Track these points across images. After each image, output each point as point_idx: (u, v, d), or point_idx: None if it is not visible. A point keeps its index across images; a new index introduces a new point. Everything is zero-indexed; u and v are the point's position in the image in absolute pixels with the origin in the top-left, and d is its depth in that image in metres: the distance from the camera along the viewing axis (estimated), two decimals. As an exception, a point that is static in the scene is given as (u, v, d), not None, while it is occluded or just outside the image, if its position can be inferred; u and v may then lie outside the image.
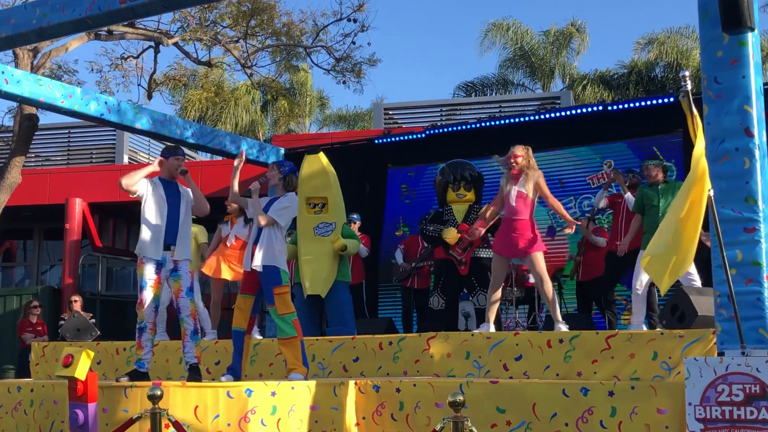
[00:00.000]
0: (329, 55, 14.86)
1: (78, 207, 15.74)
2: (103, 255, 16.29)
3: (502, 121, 11.96)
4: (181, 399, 5.72)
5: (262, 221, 6.59)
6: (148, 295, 6.34)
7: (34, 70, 11.88)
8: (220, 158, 14.56)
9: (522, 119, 11.95)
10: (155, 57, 14.72)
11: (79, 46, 12.93)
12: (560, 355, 6.44)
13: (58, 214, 15.96)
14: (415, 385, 6.11)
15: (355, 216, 10.46)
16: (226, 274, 9.28)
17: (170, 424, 5.22)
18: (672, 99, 10.53)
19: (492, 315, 7.60)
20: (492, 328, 7.46)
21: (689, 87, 5.00)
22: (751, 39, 4.93)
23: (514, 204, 7.50)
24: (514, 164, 7.56)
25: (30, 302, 12.97)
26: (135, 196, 6.46)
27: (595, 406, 5.39)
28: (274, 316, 6.58)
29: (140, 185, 6.43)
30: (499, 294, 7.70)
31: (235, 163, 6.81)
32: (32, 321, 12.55)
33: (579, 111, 11.61)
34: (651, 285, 7.97)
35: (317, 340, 7.79)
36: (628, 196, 8.57)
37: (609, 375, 6.14)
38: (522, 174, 7.53)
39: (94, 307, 14.62)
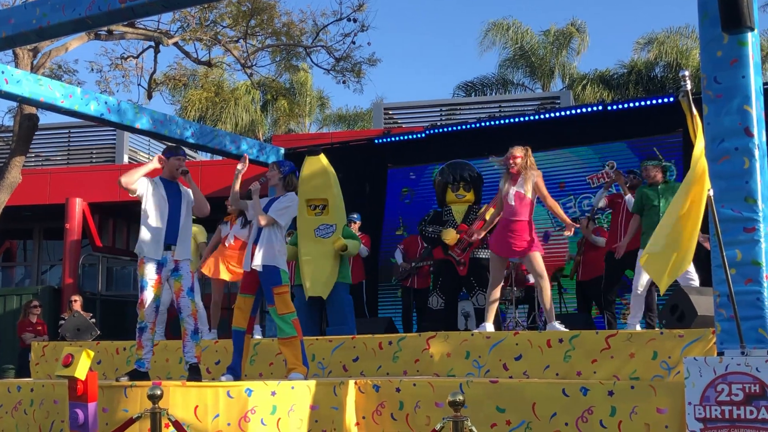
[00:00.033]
0: (329, 55, 14.88)
1: (78, 207, 15.75)
2: (103, 255, 16.30)
3: (502, 121, 11.97)
4: (181, 399, 5.72)
5: (262, 221, 6.60)
6: (148, 295, 6.34)
7: (34, 69, 11.89)
8: (220, 158, 14.57)
9: (522, 119, 11.96)
10: (155, 57, 14.74)
11: (79, 45, 12.93)
12: (560, 354, 6.44)
13: (58, 213, 15.97)
14: (415, 384, 6.11)
15: (355, 216, 10.47)
16: (225, 274, 9.28)
17: (170, 424, 5.22)
18: (672, 99, 10.53)
19: (491, 315, 7.60)
20: (491, 328, 7.47)
21: (689, 87, 5.00)
22: (751, 39, 4.93)
23: (512, 204, 7.50)
24: (512, 165, 7.56)
25: (30, 302, 12.97)
26: (135, 195, 6.46)
27: (595, 406, 5.39)
28: (274, 316, 6.58)
29: (140, 184, 6.43)
30: (498, 293, 7.70)
31: (239, 167, 6.80)
32: (32, 321, 12.55)
33: (579, 111, 11.61)
34: (651, 285, 7.98)
35: (317, 339, 7.79)
36: (629, 197, 8.56)
37: (609, 374, 6.14)
38: (521, 174, 7.53)
39: (94, 306, 14.63)
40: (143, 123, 10.97)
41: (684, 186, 4.93)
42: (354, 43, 14.59)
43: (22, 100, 10.35)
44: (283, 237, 6.77)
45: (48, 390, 6.60)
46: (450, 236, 9.04)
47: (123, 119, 10.70)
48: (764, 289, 4.78)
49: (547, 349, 6.51)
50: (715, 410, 4.68)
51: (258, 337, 8.73)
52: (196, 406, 5.72)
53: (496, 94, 24.30)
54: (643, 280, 7.83)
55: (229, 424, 5.71)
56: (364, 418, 6.26)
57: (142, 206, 6.45)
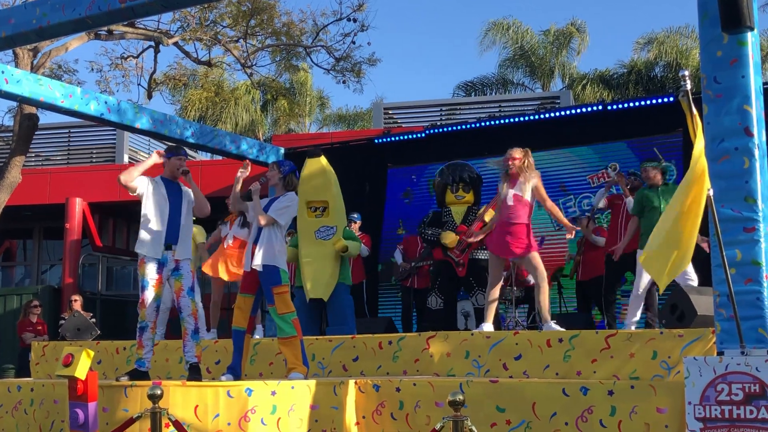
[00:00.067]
0: (329, 55, 14.87)
1: (78, 206, 15.75)
2: (103, 254, 16.30)
3: (502, 121, 11.98)
4: (181, 398, 5.73)
5: (262, 221, 6.60)
6: (149, 295, 6.35)
7: (34, 69, 11.89)
8: (220, 158, 14.58)
9: (522, 119, 11.97)
10: (155, 57, 14.74)
11: (79, 45, 12.93)
12: (560, 354, 6.44)
13: (58, 213, 15.97)
14: (415, 384, 6.11)
15: (355, 215, 10.48)
16: (223, 274, 9.28)
17: (170, 424, 5.23)
18: (672, 99, 10.53)
19: (490, 314, 7.60)
20: (491, 328, 7.47)
21: (689, 86, 5.00)
22: (751, 39, 4.94)
23: (510, 206, 7.50)
24: (511, 166, 7.55)
25: (30, 302, 12.98)
26: (134, 194, 6.47)
27: (595, 406, 5.39)
28: (274, 316, 6.59)
29: (140, 183, 6.43)
30: (497, 293, 7.70)
31: (239, 174, 6.81)
32: (32, 320, 12.55)
33: (579, 111, 11.62)
34: (651, 285, 7.99)
35: (317, 339, 7.80)
36: (629, 199, 8.55)
37: (608, 374, 6.14)
38: (520, 177, 7.53)
39: (94, 306, 14.63)
40: (143, 123, 10.97)
41: (683, 185, 4.93)
42: (354, 42, 14.60)
43: (22, 100, 10.35)
44: (283, 237, 6.77)
45: (48, 390, 6.61)
46: (449, 240, 9.05)
47: (123, 119, 10.71)
48: (764, 288, 4.78)
49: (546, 348, 6.51)
50: (715, 410, 4.68)
51: (258, 336, 8.74)
52: (197, 406, 5.73)
53: (496, 93, 24.30)
54: (643, 281, 7.84)
55: (229, 424, 5.71)
56: (364, 417, 6.26)
57: (143, 205, 6.45)
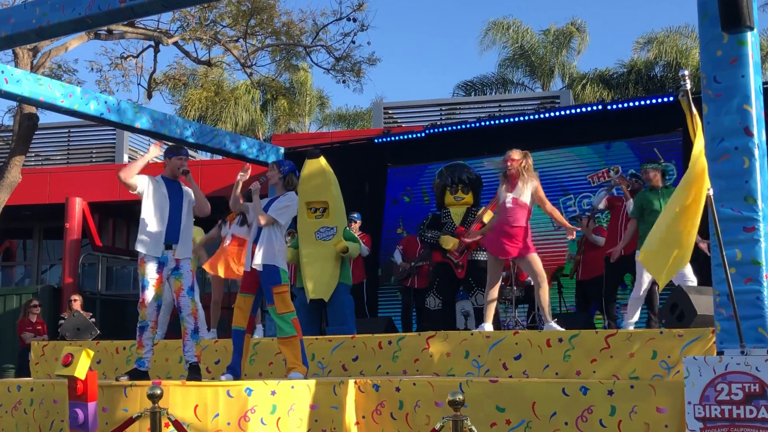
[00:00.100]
0: (329, 55, 14.87)
1: (78, 206, 15.75)
2: (102, 254, 16.30)
3: (502, 121, 11.97)
4: (180, 398, 5.73)
5: (262, 221, 6.60)
6: (149, 294, 6.35)
7: (33, 69, 11.89)
8: (219, 158, 14.57)
9: (521, 118, 11.97)
10: (155, 56, 14.74)
11: (79, 45, 12.93)
12: (559, 354, 6.44)
13: (58, 213, 15.97)
14: (414, 384, 6.11)
15: (355, 215, 10.48)
16: (221, 271, 9.28)
17: (170, 423, 5.23)
18: (672, 98, 10.53)
19: (490, 314, 7.60)
20: (490, 328, 7.47)
21: (689, 86, 5.00)
22: (751, 38, 4.93)
23: (509, 209, 7.50)
24: (509, 167, 7.55)
25: (30, 301, 12.97)
26: (134, 192, 6.47)
27: (595, 405, 5.39)
28: (274, 316, 6.59)
29: (140, 182, 6.44)
30: (496, 293, 7.70)
31: (239, 177, 6.81)
32: (32, 320, 12.55)
33: (578, 110, 11.61)
34: (652, 285, 7.99)
35: (317, 339, 7.80)
36: (630, 202, 8.55)
37: (608, 374, 6.14)
38: (519, 179, 7.52)
39: (94, 306, 14.62)
40: (143, 122, 10.96)
41: (683, 184, 4.93)
42: (354, 42, 14.60)
43: (21, 100, 10.35)
44: (283, 236, 6.77)
45: (48, 389, 6.61)
46: (450, 245, 9.06)
47: (123, 119, 10.70)
48: (764, 288, 4.78)
49: (546, 348, 6.52)
50: (715, 409, 4.68)
51: (258, 336, 8.74)
52: (196, 406, 5.73)
53: (495, 93, 24.30)
54: (644, 283, 7.84)
55: (228, 424, 5.71)
56: (363, 417, 6.26)
57: (143, 204, 6.45)
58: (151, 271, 6.37)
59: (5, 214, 12.08)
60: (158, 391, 5.18)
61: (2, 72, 9.29)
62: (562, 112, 11.64)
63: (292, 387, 6.09)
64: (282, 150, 13.01)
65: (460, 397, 4.62)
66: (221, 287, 9.59)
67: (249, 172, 6.85)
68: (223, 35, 14.71)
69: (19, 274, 19.23)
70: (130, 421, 5.35)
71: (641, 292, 7.90)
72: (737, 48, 4.93)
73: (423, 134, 12.39)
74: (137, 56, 15.15)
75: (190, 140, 11.62)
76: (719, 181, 4.89)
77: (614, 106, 11.25)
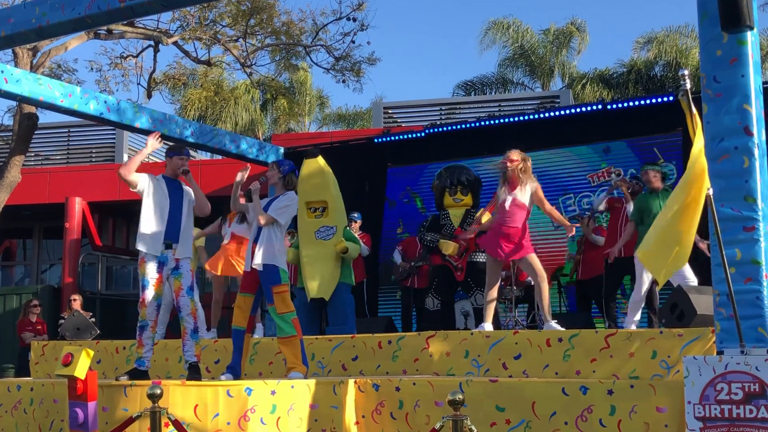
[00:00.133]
0: (329, 54, 14.87)
1: (78, 206, 15.75)
2: (102, 254, 16.30)
3: (502, 120, 11.97)
4: (180, 398, 5.73)
5: (262, 220, 6.61)
6: (150, 294, 6.35)
7: (33, 69, 11.88)
8: (219, 157, 14.57)
9: (521, 118, 11.97)
10: (155, 56, 14.74)
11: (79, 45, 12.93)
12: (559, 353, 6.44)
13: (57, 213, 15.97)
14: (414, 383, 6.11)
15: (356, 215, 10.48)
16: (219, 268, 9.28)
17: (170, 423, 5.23)
18: (671, 98, 10.53)
19: (489, 314, 7.60)
20: (490, 328, 7.47)
21: (688, 86, 5.00)
22: (750, 38, 4.93)
23: (507, 209, 7.50)
24: (509, 167, 7.55)
25: (30, 301, 12.98)
26: (134, 189, 6.47)
27: (595, 405, 5.39)
28: (274, 315, 6.59)
29: (141, 179, 6.44)
30: (495, 293, 7.70)
31: (237, 178, 6.82)
32: (32, 320, 12.55)
33: (578, 110, 11.61)
34: (652, 285, 7.99)
35: (316, 338, 7.80)
36: (630, 205, 8.55)
37: (608, 374, 6.14)
38: (518, 180, 7.52)
39: (94, 306, 14.62)
40: (143, 122, 10.96)
41: (682, 184, 4.93)
42: (353, 42, 14.60)
43: (21, 100, 10.34)
44: (283, 236, 6.78)
45: (48, 389, 6.61)
46: (449, 250, 9.07)
47: (122, 118, 10.70)
48: (764, 288, 4.78)
49: (546, 348, 6.52)
50: (715, 409, 4.68)
51: (258, 335, 8.74)
52: (196, 405, 5.72)
53: (495, 93, 24.31)
54: (643, 285, 7.84)
55: (228, 423, 5.71)
56: (363, 417, 6.26)
57: (143, 203, 6.45)
58: (151, 270, 6.37)
59: (5, 213, 12.08)
60: (158, 391, 5.18)
61: (2, 72, 9.29)
62: (562, 112, 11.64)
63: (292, 387, 6.09)
64: (282, 150, 13.01)
65: (460, 396, 4.62)
66: (222, 287, 9.59)
67: (248, 172, 6.86)
68: (222, 35, 14.71)
69: (19, 273, 19.23)
70: (130, 420, 5.35)
71: (641, 294, 7.90)
72: (737, 48, 4.93)
73: (423, 134, 12.39)
74: (137, 56, 15.15)
75: (190, 140, 11.62)
76: (719, 181, 4.89)
77: (614, 106, 11.25)
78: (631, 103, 11.14)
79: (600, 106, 11.50)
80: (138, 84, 15.48)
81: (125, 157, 18.20)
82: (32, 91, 9.59)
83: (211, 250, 9.98)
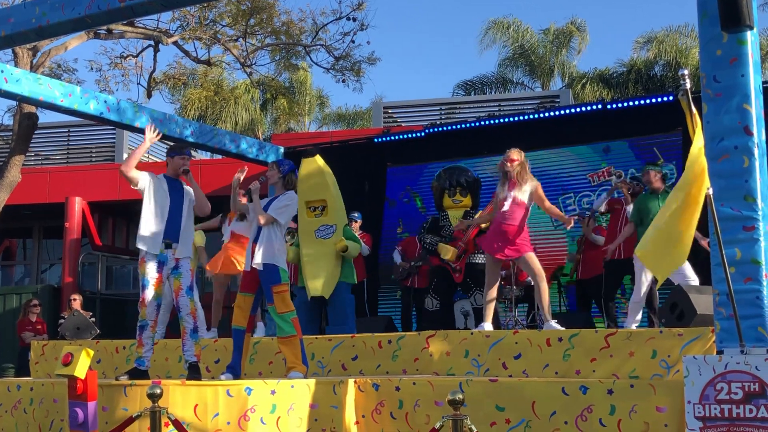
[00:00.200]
0: (328, 54, 14.88)
1: (77, 206, 15.73)
2: (102, 254, 16.29)
3: (502, 120, 11.97)
4: (180, 397, 5.72)
5: (262, 220, 6.61)
6: (149, 293, 6.35)
7: (33, 69, 11.88)
8: (219, 157, 14.57)
9: (521, 118, 11.97)
10: (155, 56, 14.74)
11: (79, 44, 12.93)
12: (559, 353, 6.44)
13: (57, 212, 15.97)
14: (414, 383, 6.11)
15: (356, 215, 10.48)
16: (218, 267, 9.28)
17: (170, 423, 5.23)
18: (671, 98, 10.53)
19: (489, 314, 7.60)
20: (490, 327, 7.47)
21: (688, 85, 5.00)
22: (750, 37, 4.93)
23: (507, 209, 7.50)
24: (509, 167, 7.55)
25: (30, 301, 12.97)
26: (135, 187, 6.48)
27: (595, 405, 5.39)
28: (274, 315, 6.59)
29: (142, 178, 6.45)
30: (494, 293, 7.70)
31: (234, 180, 6.83)
32: (32, 320, 12.55)
33: (578, 109, 11.61)
34: (652, 285, 7.99)
35: (316, 338, 7.80)
36: (630, 207, 8.56)
37: (608, 373, 6.14)
38: (518, 180, 7.53)
39: (94, 305, 14.62)
40: (143, 122, 10.95)
41: (681, 183, 4.94)
42: (353, 41, 14.61)
43: (21, 99, 10.34)
44: (283, 236, 6.78)
45: (48, 389, 6.61)
46: (448, 254, 9.08)
47: (122, 118, 10.70)
48: (764, 287, 4.78)
49: (546, 347, 6.51)
50: (715, 409, 4.68)
51: (260, 334, 8.75)
52: (196, 405, 5.72)
53: (495, 92, 24.31)
54: (643, 286, 7.84)
55: (228, 423, 5.71)
56: (363, 416, 6.26)
57: (144, 201, 6.46)
58: (151, 270, 6.37)
59: (5, 213, 12.08)
60: (158, 391, 5.18)
61: (2, 71, 9.29)
62: (562, 112, 11.64)
63: (292, 386, 6.09)
64: (282, 149, 13.01)
65: (460, 396, 4.62)
66: (223, 287, 9.59)
67: (245, 173, 6.86)
68: (222, 35, 14.72)
69: (19, 273, 19.23)
70: (130, 420, 5.35)
71: (641, 295, 7.91)
72: (737, 47, 4.93)
73: (423, 134, 12.39)
74: (137, 56, 15.16)
75: (190, 139, 11.62)
76: (719, 181, 4.89)
77: (614, 106, 11.25)
78: (631, 103, 11.14)
79: (600, 106, 11.50)
80: (138, 84, 15.51)
81: (125, 157, 18.20)
82: (32, 91, 9.59)
83: (211, 249, 9.98)
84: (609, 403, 5.35)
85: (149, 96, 15.38)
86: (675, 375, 5.78)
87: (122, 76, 15.23)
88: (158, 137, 6.69)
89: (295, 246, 9.64)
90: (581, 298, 10.06)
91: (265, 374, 7.49)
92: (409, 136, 12.68)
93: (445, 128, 12.39)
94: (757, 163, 4.86)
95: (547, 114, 11.78)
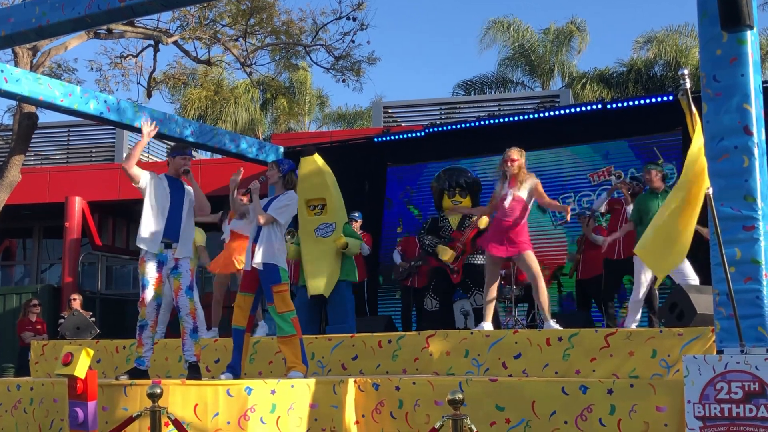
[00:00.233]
0: (328, 54, 14.88)
1: (77, 205, 15.72)
2: (102, 253, 16.28)
3: (502, 120, 11.98)
4: (180, 397, 5.72)
5: (262, 220, 6.61)
6: (149, 293, 6.35)
7: (33, 68, 11.88)
8: (219, 157, 14.57)
9: (521, 117, 11.98)
10: (155, 55, 14.74)
11: (79, 44, 12.93)
12: (559, 353, 6.44)
13: (57, 212, 15.96)
14: (414, 383, 6.11)
15: (356, 214, 10.49)
16: (218, 267, 9.28)
17: (170, 423, 5.23)
18: (671, 97, 10.53)
19: (489, 313, 7.61)
20: (490, 327, 7.47)
21: (688, 85, 5.00)
22: (750, 37, 4.93)
23: (507, 207, 7.50)
24: (510, 167, 7.55)
25: (29, 301, 12.97)
26: (137, 185, 6.48)
27: (594, 404, 5.39)
28: (274, 315, 6.59)
29: (143, 176, 6.46)
30: (494, 293, 7.70)
31: (231, 183, 6.83)
32: (32, 319, 12.55)
33: (578, 109, 11.61)
34: (652, 285, 7.99)
35: (316, 338, 7.80)
36: (630, 207, 8.56)
37: (608, 373, 6.14)
38: (518, 179, 7.53)
39: (94, 305, 14.62)
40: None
41: (681, 182, 4.93)
42: (353, 41, 14.62)
43: (21, 99, 10.34)
44: (283, 235, 6.78)
45: (48, 389, 6.61)
46: (446, 256, 9.08)
47: (122, 118, 10.69)
48: (763, 287, 4.78)
49: (546, 347, 6.51)
50: (715, 408, 4.68)
51: (263, 333, 8.75)
52: (196, 405, 5.72)
53: (495, 92, 24.31)
54: (642, 286, 7.84)
55: (228, 423, 5.71)
56: (363, 416, 6.26)
57: (144, 200, 6.47)
58: (150, 270, 6.38)
59: (5, 213, 12.08)
60: (158, 390, 5.18)
61: (2, 71, 9.29)
62: (562, 111, 11.65)
63: (292, 386, 6.09)
64: (282, 149, 13.01)
65: (460, 396, 4.62)
66: (223, 286, 9.59)
67: (240, 175, 6.87)
68: (222, 34, 14.72)
69: (19, 273, 19.23)
70: (130, 420, 5.35)
71: (640, 295, 7.91)
72: (737, 47, 4.93)
73: (422, 133, 12.39)
74: (137, 55, 15.16)
75: (190, 139, 11.61)
76: (719, 180, 4.89)
77: (614, 105, 11.25)
78: (630, 103, 11.15)
79: (600, 106, 11.51)
80: (138, 83, 15.52)
81: (125, 157, 18.19)
82: (32, 91, 9.59)
83: (211, 248, 9.98)
84: (609, 402, 5.35)
85: (149, 96, 15.39)
86: (675, 375, 5.78)
87: (122, 75, 15.26)
88: (155, 130, 6.70)
89: (296, 244, 9.65)
90: (581, 298, 10.07)
91: (265, 374, 7.49)
92: (409, 135, 12.69)
93: (445, 128, 12.40)
94: (756, 163, 4.86)
95: (547, 114, 11.79)
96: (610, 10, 47.95)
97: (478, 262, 9.03)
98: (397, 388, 6.15)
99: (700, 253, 6.96)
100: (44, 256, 18.73)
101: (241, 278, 7.10)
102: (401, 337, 7.33)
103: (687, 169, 4.93)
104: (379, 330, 8.37)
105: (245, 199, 8.06)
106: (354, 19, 14.23)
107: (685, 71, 5.02)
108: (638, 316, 7.99)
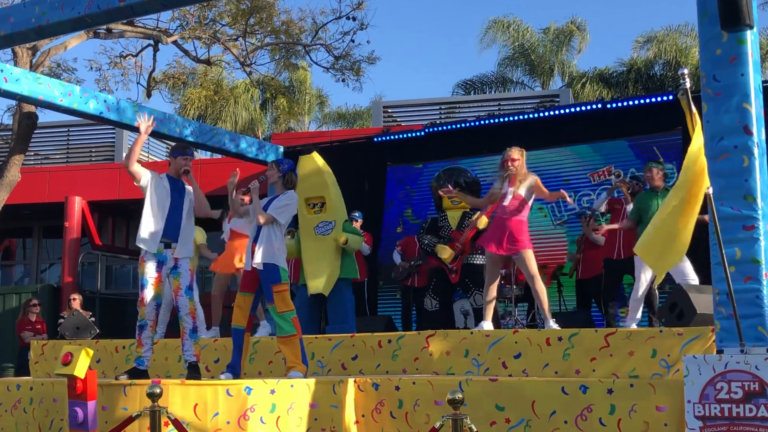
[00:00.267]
0: (328, 53, 14.88)
1: (77, 205, 15.72)
2: (102, 253, 16.28)
3: (501, 119, 11.98)
4: (180, 397, 5.72)
5: (262, 219, 6.61)
6: (149, 293, 6.36)
7: (33, 68, 11.88)
8: (219, 156, 14.57)
9: (521, 117, 11.98)
10: (154, 55, 14.73)
11: (78, 44, 12.93)
12: (559, 352, 6.44)
13: (57, 212, 15.96)
14: (414, 383, 6.11)
15: (356, 214, 10.49)
16: (220, 267, 9.28)
17: (169, 422, 5.23)
18: (671, 97, 10.53)
19: (489, 313, 7.60)
20: (490, 326, 7.47)
21: (688, 85, 5.00)
22: (750, 37, 4.93)
23: (507, 205, 7.50)
24: (511, 167, 7.55)
25: (29, 300, 12.97)
26: (138, 184, 6.49)
27: (594, 404, 5.39)
28: (274, 314, 6.59)
29: (145, 175, 6.47)
30: (494, 292, 7.70)
31: (229, 185, 6.83)
32: (31, 319, 12.55)
33: (578, 109, 11.61)
34: (651, 284, 7.99)
35: (316, 338, 7.80)
36: (630, 207, 8.57)
37: (608, 373, 6.14)
38: (518, 178, 7.53)
39: (94, 305, 14.62)
40: (142, 121, 10.93)
41: (681, 181, 4.93)
42: (353, 41, 14.62)
43: (21, 99, 10.34)
44: (283, 235, 6.78)
45: (47, 388, 6.61)
46: (445, 255, 9.08)
47: (122, 118, 10.69)
48: (763, 287, 4.78)
49: (546, 347, 6.51)
50: (715, 408, 4.68)
51: (263, 334, 8.74)
52: (196, 405, 5.72)
53: (495, 92, 24.31)
54: (642, 284, 7.84)
55: (228, 423, 5.71)
56: (363, 416, 6.26)
57: (145, 200, 6.48)
58: (150, 269, 6.38)
59: (5, 213, 12.08)
60: (158, 390, 5.18)
61: (1, 71, 9.29)
62: (562, 111, 11.64)
63: (292, 386, 6.09)
64: (281, 149, 13.00)
65: (460, 395, 4.62)
66: (223, 286, 9.59)
67: (237, 177, 6.87)
68: (222, 34, 14.72)
69: (19, 273, 19.23)
70: (130, 419, 5.35)
71: (640, 294, 7.91)
72: (737, 46, 4.93)
73: (422, 133, 12.39)
74: (136, 55, 15.16)
75: (190, 139, 11.60)
76: (719, 180, 4.89)
77: (614, 105, 11.24)
78: (630, 102, 11.14)
79: (600, 105, 11.50)
80: (137, 83, 15.53)
81: (124, 157, 18.18)
82: (32, 91, 9.58)
83: (212, 248, 9.97)
84: (609, 402, 5.35)
85: (149, 95, 15.39)
86: (675, 374, 5.78)
87: (122, 75, 15.25)
88: (153, 125, 6.70)
89: (296, 242, 9.65)
90: (581, 298, 10.06)
91: (264, 374, 7.49)
92: (409, 135, 12.68)
93: (444, 128, 12.40)
94: (756, 163, 4.86)
95: (546, 113, 11.78)
96: (610, 10, 47.98)
97: (478, 262, 9.03)
98: (397, 388, 6.15)
99: (700, 253, 6.96)
100: (44, 255, 18.73)
101: (240, 278, 7.10)
102: (401, 337, 7.33)
103: (687, 169, 4.93)
104: (379, 330, 8.36)
105: (246, 198, 8.06)
106: (354, 19, 14.24)
107: (685, 71, 5.02)
108: (638, 315, 7.99)
